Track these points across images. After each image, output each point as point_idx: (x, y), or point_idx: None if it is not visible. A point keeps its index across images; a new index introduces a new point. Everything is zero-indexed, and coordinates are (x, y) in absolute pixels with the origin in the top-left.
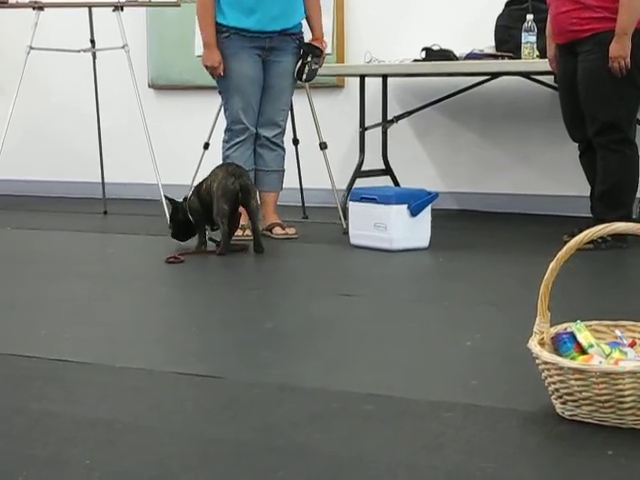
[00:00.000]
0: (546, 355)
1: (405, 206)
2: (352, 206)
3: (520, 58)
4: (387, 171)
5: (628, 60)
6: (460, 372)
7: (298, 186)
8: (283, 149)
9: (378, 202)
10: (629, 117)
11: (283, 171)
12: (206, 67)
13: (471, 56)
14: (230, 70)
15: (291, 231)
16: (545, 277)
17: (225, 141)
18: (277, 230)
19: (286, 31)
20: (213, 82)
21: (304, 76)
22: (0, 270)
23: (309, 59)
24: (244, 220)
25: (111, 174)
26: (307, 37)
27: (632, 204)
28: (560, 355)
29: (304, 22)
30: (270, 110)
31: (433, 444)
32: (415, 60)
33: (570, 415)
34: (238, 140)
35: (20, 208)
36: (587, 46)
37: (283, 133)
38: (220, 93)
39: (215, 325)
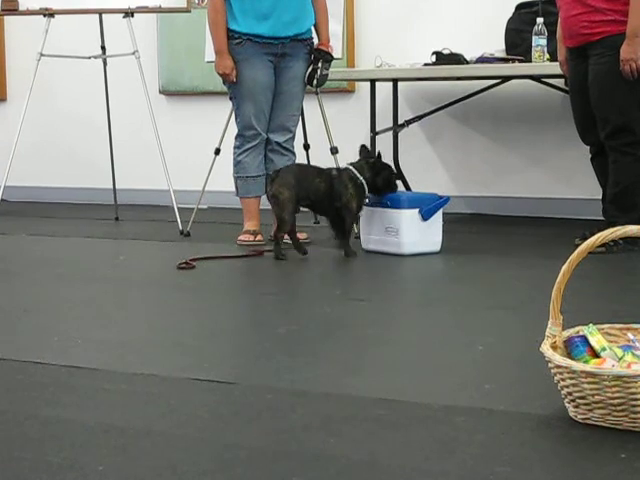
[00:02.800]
0: (558, 359)
1: (416, 210)
2: (364, 211)
3: (530, 61)
4: (398, 175)
5: None
6: (473, 376)
7: None
8: (294, 154)
9: (390, 206)
10: None
11: None
12: (219, 74)
13: (481, 60)
14: (242, 76)
15: (303, 236)
16: (557, 280)
17: (237, 147)
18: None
19: (298, 36)
20: (224, 88)
21: (315, 81)
22: (13, 276)
23: (320, 64)
24: (255, 226)
25: (122, 180)
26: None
27: None
28: (572, 359)
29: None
30: (281, 115)
31: (446, 448)
32: (425, 64)
33: (583, 419)
34: (250, 146)
35: (31, 214)
36: (598, 49)
37: (293, 138)
38: (231, 99)
39: (228, 330)
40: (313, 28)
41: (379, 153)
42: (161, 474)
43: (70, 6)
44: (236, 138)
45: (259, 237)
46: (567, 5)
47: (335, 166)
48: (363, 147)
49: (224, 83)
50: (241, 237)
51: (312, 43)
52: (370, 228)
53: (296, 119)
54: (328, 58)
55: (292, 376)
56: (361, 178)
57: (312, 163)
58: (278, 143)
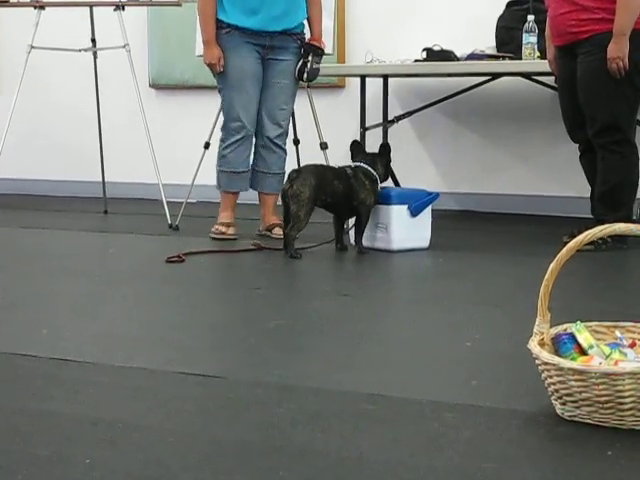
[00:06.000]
0: (546, 356)
1: (406, 206)
2: None
3: (521, 59)
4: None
5: (626, 61)
6: (460, 372)
7: None
8: (285, 151)
9: (379, 202)
10: (628, 118)
11: (283, 173)
12: (206, 64)
13: (472, 57)
14: (229, 66)
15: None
16: (545, 278)
17: (222, 140)
18: (277, 230)
19: (288, 31)
20: (214, 82)
21: (305, 75)
22: (2, 269)
23: (310, 58)
24: (229, 217)
25: (112, 173)
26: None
27: (632, 205)
28: (560, 356)
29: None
30: (271, 109)
31: (433, 444)
32: (416, 60)
33: (570, 416)
34: (234, 139)
35: (21, 207)
36: (586, 47)
37: (286, 134)
38: (219, 92)
39: (216, 325)
40: (306, 22)
41: (388, 145)
42: (148, 468)
43: None
44: (221, 130)
45: (231, 230)
46: (555, 4)
47: (346, 165)
48: (356, 142)
49: (213, 75)
50: (216, 227)
51: (303, 38)
52: None
53: (286, 114)
54: (318, 52)
55: (280, 371)
56: (375, 174)
57: (302, 158)
58: (269, 138)
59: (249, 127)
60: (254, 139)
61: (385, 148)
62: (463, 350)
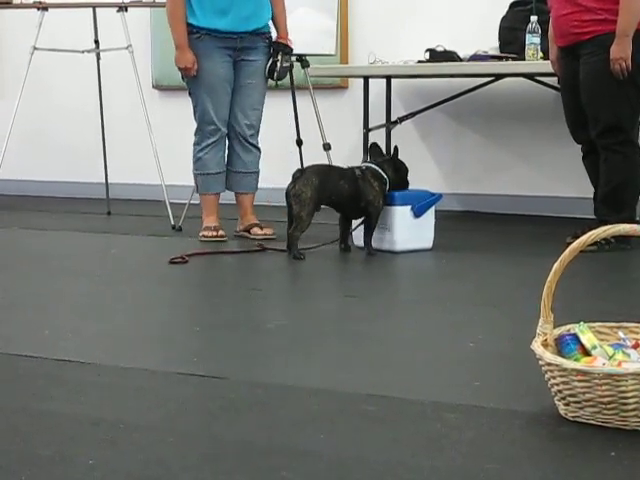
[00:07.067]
0: (549, 356)
1: (409, 207)
2: None
3: (524, 59)
4: None
5: (629, 61)
6: (463, 373)
7: None
8: (259, 149)
9: None
10: (631, 118)
11: (258, 172)
12: (179, 68)
13: (475, 57)
14: (202, 70)
15: (269, 231)
16: (548, 278)
17: (196, 143)
18: (256, 230)
19: (256, 31)
20: None
21: (276, 74)
22: (4, 269)
23: (279, 57)
24: (215, 221)
25: (115, 175)
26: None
27: (635, 205)
28: (563, 356)
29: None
30: (245, 110)
31: (435, 445)
32: (419, 61)
33: (573, 416)
34: (209, 142)
35: (23, 208)
36: (588, 48)
37: (257, 133)
38: (190, 95)
39: (217, 325)
40: (271, 22)
41: (396, 148)
42: (148, 468)
43: (64, 0)
44: (195, 134)
45: (221, 232)
46: (558, 4)
47: (356, 165)
48: (375, 145)
49: (183, 79)
50: (203, 233)
51: (270, 37)
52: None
53: (259, 114)
54: (287, 50)
55: (281, 371)
56: (385, 176)
57: (305, 159)
58: (245, 138)
59: (223, 129)
60: (227, 140)
61: (394, 151)
62: (465, 350)
